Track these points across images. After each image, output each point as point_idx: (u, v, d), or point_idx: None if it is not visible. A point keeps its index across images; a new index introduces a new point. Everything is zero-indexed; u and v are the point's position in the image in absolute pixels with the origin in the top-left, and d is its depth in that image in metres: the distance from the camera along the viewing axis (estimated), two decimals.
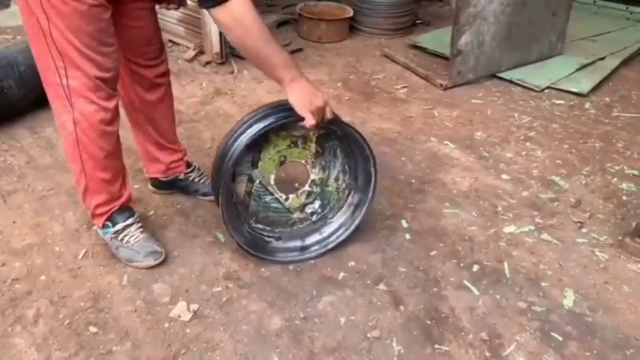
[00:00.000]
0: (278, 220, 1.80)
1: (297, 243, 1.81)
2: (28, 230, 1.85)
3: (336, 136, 1.71)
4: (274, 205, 1.77)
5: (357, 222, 1.81)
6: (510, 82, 3.05)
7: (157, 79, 1.77)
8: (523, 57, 3.14)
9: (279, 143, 1.66)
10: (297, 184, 1.85)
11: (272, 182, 1.73)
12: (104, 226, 1.73)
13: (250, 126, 1.61)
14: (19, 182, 2.10)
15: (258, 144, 1.64)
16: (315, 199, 1.81)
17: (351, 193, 1.84)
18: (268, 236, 1.79)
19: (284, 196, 1.77)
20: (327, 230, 1.83)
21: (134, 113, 1.82)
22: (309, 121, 1.49)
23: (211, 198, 1.96)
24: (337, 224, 1.83)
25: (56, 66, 1.44)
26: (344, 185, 1.83)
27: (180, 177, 2.01)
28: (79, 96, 1.48)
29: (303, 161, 1.74)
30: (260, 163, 1.68)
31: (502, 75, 3.09)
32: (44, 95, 1.55)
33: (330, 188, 1.81)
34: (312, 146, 1.71)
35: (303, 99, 1.48)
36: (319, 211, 1.84)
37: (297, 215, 1.81)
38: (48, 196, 2.02)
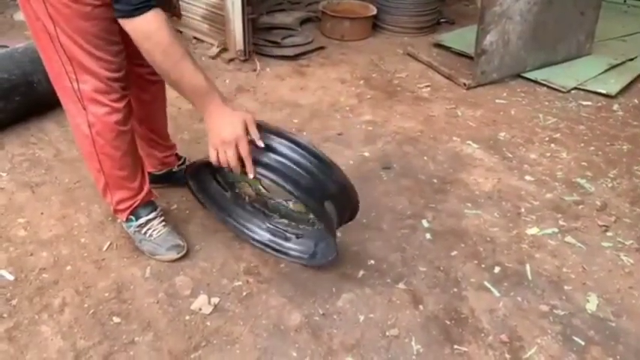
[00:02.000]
0: (299, 217, 1.77)
1: (311, 245, 1.75)
2: (55, 221, 1.89)
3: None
4: (283, 205, 1.72)
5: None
6: (535, 82, 3.01)
7: (150, 76, 1.74)
8: (549, 57, 3.09)
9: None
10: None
11: (263, 191, 1.69)
12: (128, 220, 1.76)
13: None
14: (47, 174, 2.15)
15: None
16: None
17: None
18: (287, 234, 1.78)
19: (283, 201, 1.69)
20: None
21: None
22: (211, 157, 1.36)
23: None
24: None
25: (66, 70, 1.46)
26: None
27: (173, 169, 2.03)
28: (91, 99, 1.50)
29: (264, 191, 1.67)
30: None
31: (527, 75, 3.04)
32: None
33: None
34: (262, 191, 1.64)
35: (210, 130, 1.35)
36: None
37: (312, 216, 1.74)
38: (74, 189, 2.07)
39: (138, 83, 1.75)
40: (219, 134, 1.33)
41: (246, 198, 1.78)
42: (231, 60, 3.21)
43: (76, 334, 1.47)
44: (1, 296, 1.58)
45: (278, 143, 1.42)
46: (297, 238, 1.77)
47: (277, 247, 1.76)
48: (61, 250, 1.76)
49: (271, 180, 1.38)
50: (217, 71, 3.11)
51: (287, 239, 1.78)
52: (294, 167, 1.41)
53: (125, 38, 1.58)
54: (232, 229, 1.82)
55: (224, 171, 1.58)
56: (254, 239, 1.79)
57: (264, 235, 1.79)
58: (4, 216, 1.91)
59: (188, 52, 1.33)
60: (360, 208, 1.65)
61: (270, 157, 1.40)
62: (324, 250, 1.68)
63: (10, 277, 1.65)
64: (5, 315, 1.52)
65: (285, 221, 1.77)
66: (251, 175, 1.36)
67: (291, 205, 1.69)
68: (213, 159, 1.36)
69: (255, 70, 3.12)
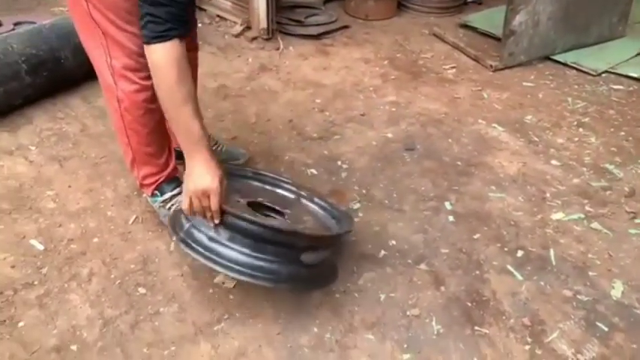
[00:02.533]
0: None
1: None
2: (82, 195, 1.93)
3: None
4: None
5: None
6: (565, 65, 2.93)
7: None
8: (580, 39, 3.01)
9: None
10: None
11: None
12: (153, 195, 1.79)
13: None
14: (74, 149, 2.18)
15: None
16: None
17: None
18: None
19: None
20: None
21: None
22: (183, 203, 1.37)
23: (230, 163, 1.99)
24: None
25: (101, 44, 1.48)
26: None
27: None
28: (121, 76, 1.52)
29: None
30: None
31: (556, 57, 2.97)
32: None
33: None
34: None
35: (187, 176, 1.36)
36: None
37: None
38: (101, 163, 2.10)
39: None
40: (197, 183, 1.33)
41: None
42: (254, 38, 3.20)
43: (104, 303, 1.51)
44: (32, 265, 1.62)
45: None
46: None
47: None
48: (88, 223, 1.80)
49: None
50: (240, 49, 3.10)
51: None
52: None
53: None
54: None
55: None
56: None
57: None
58: (33, 188, 1.95)
59: (193, 95, 1.34)
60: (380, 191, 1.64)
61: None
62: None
63: (40, 247, 1.69)
64: (36, 282, 1.56)
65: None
66: (216, 221, 1.36)
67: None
68: (185, 206, 1.37)
69: (278, 49, 3.10)
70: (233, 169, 1.75)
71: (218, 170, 1.36)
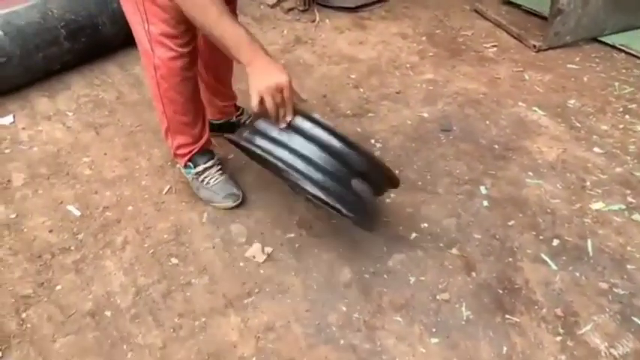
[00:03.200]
0: None
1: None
2: (118, 163, 1.96)
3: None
4: None
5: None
6: (613, 47, 2.79)
7: None
8: (632, 20, 2.85)
9: None
10: None
11: None
12: (186, 166, 1.80)
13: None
14: (110, 117, 2.21)
15: None
16: None
17: None
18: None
19: None
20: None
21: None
22: (252, 100, 1.32)
23: None
24: None
25: (139, 10, 1.47)
26: None
27: (232, 120, 2.04)
28: (158, 42, 1.51)
29: None
30: None
31: (604, 39, 2.82)
32: None
33: None
34: None
35: (254, 78, 1.31)
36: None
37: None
38: (136, 132, 2.12)
39: None
40: (268, 79, 1.29)
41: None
42: (290, 10, 3.15)
43: (137, 271, 1.54)
44: (69, 230, 1.67)
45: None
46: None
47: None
48: (123, 191, 1.83)
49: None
50: (275, 21, 3.06)
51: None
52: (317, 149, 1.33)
53: None
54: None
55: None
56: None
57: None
58: (70, 154, 1.99)
59: (227, 10, 1.30)
60: (411, 172, 1.59)
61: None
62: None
63: (77, 213, 1.73)
64: (72, 248, 1.61)
65: None
66: (288, 118, 1.33)
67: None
68: (255, 103, 1.31)
69: (313, 22, 3.05)
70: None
71: (279, 65, 1.32)
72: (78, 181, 1.86)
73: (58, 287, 1.48)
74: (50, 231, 1.66)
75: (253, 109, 1.32)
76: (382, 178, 1.49)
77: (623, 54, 2.76)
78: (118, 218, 1.72)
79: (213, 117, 2.01)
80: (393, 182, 1.55)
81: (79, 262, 1.56)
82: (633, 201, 1.86)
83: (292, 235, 1.68)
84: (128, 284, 1.50)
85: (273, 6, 3.19)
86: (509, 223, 1.76)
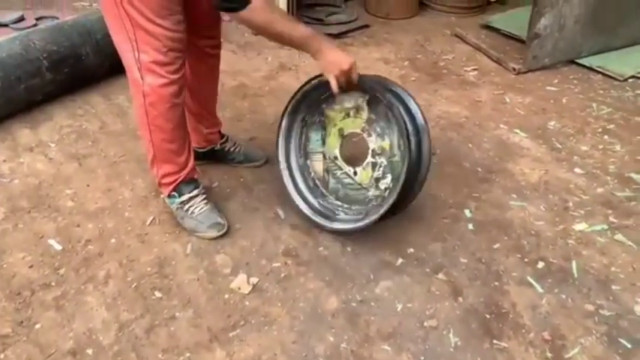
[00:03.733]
0: (356, 197, 1.81)
1: (361, 214, 1.77)
2: (101, 194, 1.94)
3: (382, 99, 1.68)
4: (347, 180, 1.81)
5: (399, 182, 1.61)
6: (590, 69, 2.86)
7: (210, 50, 1.79)
8: (607, 43, 2.93)
9: (335, 117, 1.78)
10: (362, 159, 1.81)
11: (338, 156, 1.80)
12: (170, 196, 1.79)
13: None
14: (93, 147, 2.19)
15: (321, 122, 1.81)
16: (385, 172, 1.75)
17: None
18: (344, 212, 1.81)
19: (352, 170, 1.79)
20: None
21: None
22: (332, 83, 1.57)
23: (247, 165, 2.07)
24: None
25: (129, 38, 1.48)
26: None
27: (216, 147, 2.04)
28: (148, 70, 1.52)
29: (358, 130, 1.76)
30: (327, 140, 1.81)
31: (581, 61, 2.90)
32: (119, 63, 1.61)
33: (396, 158, 1.72)
34: (364, 113, 1.73)
35: (327, 64, 1.55)
36: (391, 185, 1.74)
37: (372, 192, 1.78)
38: (119, 162, 2.11)
39: (196, 54, 1.76)
40: (340, 64, 1.54)
41: (312, 173, 1.86)
42: None
43: (120, 306, 1.51)
44: (50, 265, 1.63)
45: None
46: (346, 214, 1.81)
47: (319, 223, 1.79)
48: (106, 223, 1.80)
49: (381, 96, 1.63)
50: (260, 48, 3.08)
51: (331, 219, 1.79)
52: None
53: (187, 9, 1.60)
54: (284, 185, 1.85)
55: (305, 138, 1.85)
56: (298, 208, 1.82)
57: (309, 210, 1.82)
58: (52, 186, 1.97)
59: (284, 13, 1.53)
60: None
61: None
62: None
63: (58, 247, 1.70)
64: (53, 283, 1.57)
65: (339, 203, 1.83)
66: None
67: (358, 173, 1.78)
68: (335, 87, 1.58)
69: None
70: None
71: (342, 51, 1.58)
72: (60, 214, 1.84)
73: (38, 325, 1.45)
74: (30, 266, 1.62)
75: (334, 92, 1.60)
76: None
77: (599, 75, 2.83)
78: (100, 251, 1.69)
79: (198, 145, 2.01)
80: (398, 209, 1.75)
81: (60, 298, 1.53)
82: (615, 221, 1.88)
83: (278, 264, 1.67)
84: (110, 320, 1.47)
85: (256, 33, 3.22)
86: (495, 246, 1.77)
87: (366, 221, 1.67)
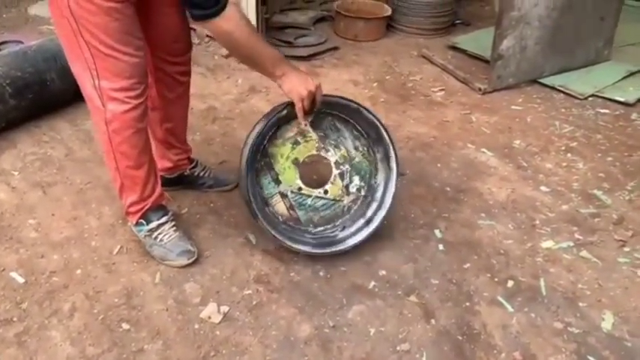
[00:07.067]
0: (334, 213, 1.82)
1: (361, 221, 1.82)
2: (66, 223, 1.89)
3: (324, 113, 1.75)
4: (319, 203, 1.81)
5: (394, 170, 1.78)
6: (552, 88, 2.96)
7: (179, 76, 1.78)
8: (567, 62, 3.04)
9: (281, 151, 1.76)
10: (327, 175, 1.85)
11: (302, 186, 1.78)
12: (138, 224, 1.75)
13: (246, 145, 1.71)
14: (59, 174, 2.14)
15: (266, 164, 1.76)
16: (352, 176, 1.82)
17: (375, 149, 1.83)
18: (333, 231, 1.82)
19: (322, 190, 1.81)
20: (379, 193, 1.83)
21: (151, 112, 1.78)
22: (297, 107, 1.60)
23: (218, 189, 2.06)
24: (382, 182, 1.83)
25: (88, 67, 1.46)
26: (365, 148, 1.83)
27: (185, 173, 2.02)
28: (110, 98, 1.50)
29: (314, 152, 1.78)
30: (280, 178, 1.77)
31: (544, 81, 2.99)
32: None
33: (357, 159, 1.82)
34: (312, 134, 1.76)
35: (293, 87, 1.57)
36: (362, 183, 1.84)
37: (346, 200, 1.82)
38: (85, 190, 2.06)
39: (165, 82, 1.75)
40: (305, 86, 1.57)
41: (279, 218, 1.80)
42: None
43: (86, 340, 1.47)
44: (12, 299, 1.58)
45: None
46: (343, 229, 1.82)
47: (333, 250, 1.76)
48: (71, 253, 1.76)
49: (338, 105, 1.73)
50: (230, 70, 3.09)
51: (333, 243, 1.78)
52: None
53: (151, 36, 1.59)
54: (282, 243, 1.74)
55: (258, 186, 1.76)
56: (303, 252, 1.75)
57: (310, 247, 1.76)
58: (15, 216, 1.91)
59: (259, 34, 1.54)
60: None
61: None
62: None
63: (21, 280, 1.65)
64: (15, 319, 1.52)
65: (321, 228, 1.82)
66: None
67: (329, 190, 1.80)
68: (302, 114, 1.62)
69: None
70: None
71: (306, 74, 1.62)
72: (22, 245, 1.78)
73: None
74: None
75: (299, 116, 1.64)
76: None
77: (561, 94, 2.92)
78: (65, 283, 1.64)
79: (166, 172, 1.98)
80: None
81: (22, 334, 1.47)
82: (580, 238, 1.92)
83: (249, 291, 1.65)
84: (76, 356, 1.42)
85: (227, 56, 3.23)
86: (465, 266, 1.79)
87: (376, 225, 1.78)
